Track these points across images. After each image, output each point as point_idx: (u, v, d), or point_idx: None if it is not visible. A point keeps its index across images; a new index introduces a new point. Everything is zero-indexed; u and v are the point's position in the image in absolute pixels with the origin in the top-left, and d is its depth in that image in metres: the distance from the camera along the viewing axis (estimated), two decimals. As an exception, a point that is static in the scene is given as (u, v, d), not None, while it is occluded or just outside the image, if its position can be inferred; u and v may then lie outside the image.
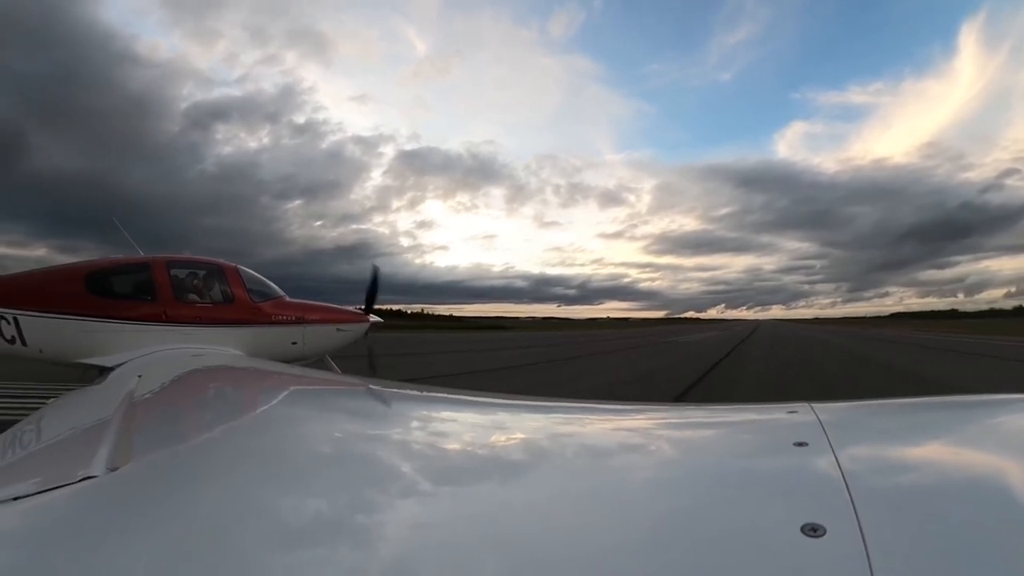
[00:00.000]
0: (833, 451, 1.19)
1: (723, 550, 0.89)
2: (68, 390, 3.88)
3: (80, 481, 1.23)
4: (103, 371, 5.58)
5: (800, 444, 1.27)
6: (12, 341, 6.97)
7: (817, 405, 1.62)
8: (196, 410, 2.92)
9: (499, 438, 1.82)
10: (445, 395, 2.76)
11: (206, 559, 0.90)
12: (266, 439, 1.84)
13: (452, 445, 1.72)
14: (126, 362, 5.71)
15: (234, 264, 8.24)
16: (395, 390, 2.91)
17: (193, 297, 7.76)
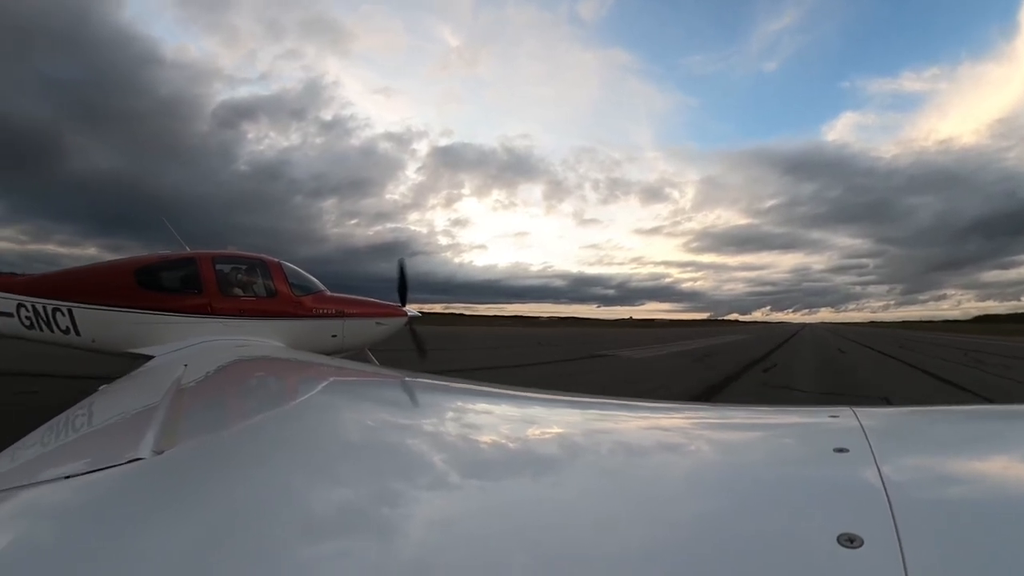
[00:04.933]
0: (875, 459, 1.15)
1: (756, 556, 0.86)
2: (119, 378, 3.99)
3: (127, 463, 1.28)
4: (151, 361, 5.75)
5: (840, 450, 1.23)
6: (67, 331, 7.39)
7: (860, 410, 1.57)
8: (238, 399, 3.02)
9: (534, 432, 1.81)
10: (481, 389, 2.77)
11: (241, 542, 0.93)
12: (304, 428, 1.87)
13: (485, 438, 1.71)
14: (173, 352, 5.90)
15: (277, 259, 8.49)
16: (432, 382, 2.92)
17: (237, 291, 8.01)
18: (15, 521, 1.12)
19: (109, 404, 2.62)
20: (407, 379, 2.89)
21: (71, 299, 7.42)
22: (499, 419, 2.07)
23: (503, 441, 1.66)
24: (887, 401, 12.16)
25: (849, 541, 0.81)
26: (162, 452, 1.38)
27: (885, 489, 0.98)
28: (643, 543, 0.93)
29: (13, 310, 7.39)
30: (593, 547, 0.91)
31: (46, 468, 1.49)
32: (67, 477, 1.25)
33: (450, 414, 2.18)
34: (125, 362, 6.67)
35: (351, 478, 1.29)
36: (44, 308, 7.37)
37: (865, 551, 0.80)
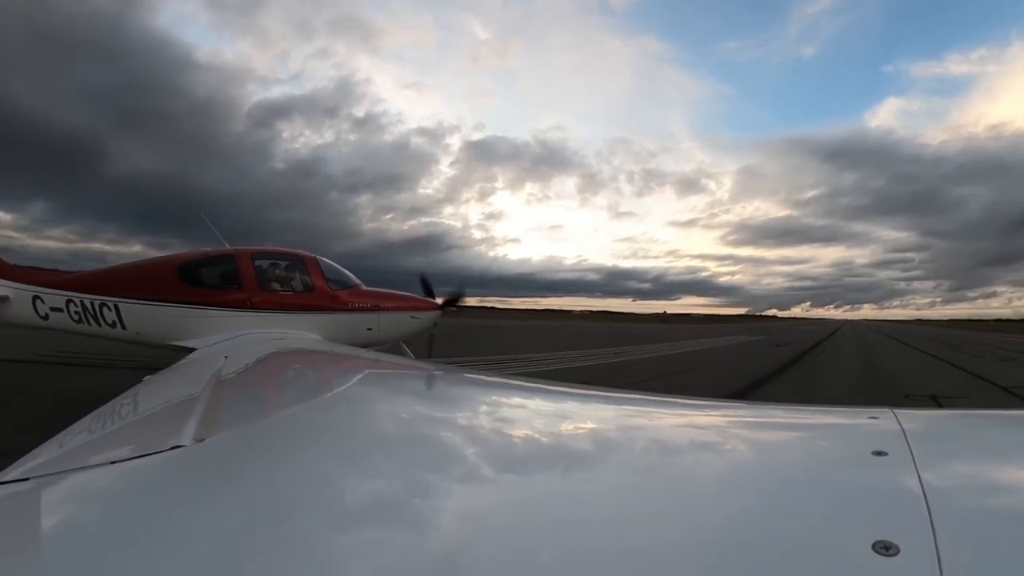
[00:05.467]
0: (915, 463, 1.10)
1: (787, 561, 0.84)
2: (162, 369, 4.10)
3: (170, 450, 1.32)
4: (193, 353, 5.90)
5: (879, 453, 1.19)
6: (113, 325, 7.75)
7: (901, 412, 1.51)
8: (276, 390, 3.08)
9: (565, 427, 1.80)
10: (513, 383, 2.78)
11: (276, 528, 0.94)
12: (339, 419, 1.91)
13: (516, 432, 1.71)
14: (214, 345, 6.05)
15: (314, 255, 8.68)
16: (465, 376, 2.94)
17: (276, 286, 8.21)
18: (64, 503, 1.18)
19: (153, 394, 2.70)
20: (441, 372, 2.91)
21: (117, 295, 7.75)
22: (531, 413, 2.07)
23: (534, 435, 1.66)
24: (933, 400, 11.68)
25: (885, 549, 0.78)
26: (203, 440, 1.41)
27: (924, 496, 0.94)
28: (671, 542, 0.92)
29: (63, 305, 7.74)
30: (620, 545, 0.90)
31: (93, 454, 1.55)
32: (112, 462, 1.30)
33: (482, 407, 2.19)
34: (168, 354, 6.90)
35: (384, 469, 1.30)
36: (92, 303, 7.72)
37: (901, 560, 0.76)
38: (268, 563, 0.82)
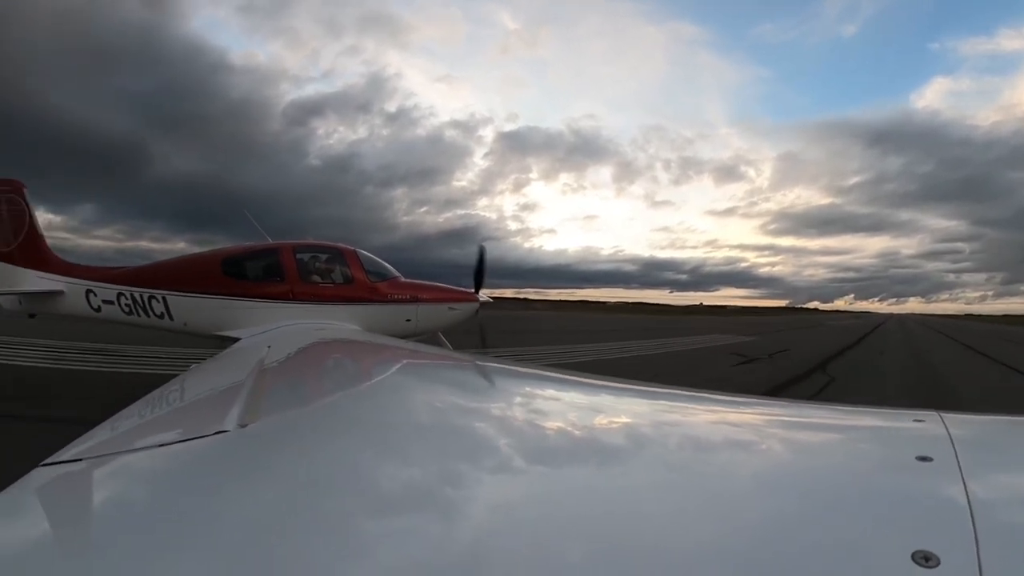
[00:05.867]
0: (961, 471, 1.05)
1: (822, 568, 0.80)
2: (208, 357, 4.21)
3: (214, 434, 1.37)
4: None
5: (923, 459, 1.14)
6: (161, 316, 8.15)
7: (949, 416, 1.44)
8: (317, 378, 3.16)
9: (599, 421, 1.79)
10: (549, 375, 2.76)
11: (313, 512, 0.97)
12: (377, 408, 1.95)
13: (551, 424, 1.68)
14: (257, 335, 6.20)
15: (353, 248, 8.85)
16: (502, 367, 2.94)
17: (316, 278, 8.41)
18: (114, 483, 1.23)
19: (199, 381, 2.77)
20: (478, 363, 2.93)
21: (165, 287, 8.15)
22: (565, 406, 2.06)
23: (566, 428, 1.65)
24: (986, 404, 10.92)
25: (924, 560, 0.74)
26: (246, 426, 1.46)
27: (969, 506, 0.89)
28: (702, 542, 0.89)
29: (114, 298, 8.23)
30: (650, 542, 0.88)
31: (142, 437, 1.62)
32: (160, 445, 1.37)
33: (517, 399, 2.19)
34: (214, 343, 7.12)
35: (419, 457, 1.32)
36: (141, 296, 8.15)
37: (941, 572, 0.73)
38: (304, 545, 0.84)
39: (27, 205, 8.67)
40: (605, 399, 2.15)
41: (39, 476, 1.15)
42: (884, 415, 1.84)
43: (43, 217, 8.79)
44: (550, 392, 2.33)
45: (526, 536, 0.90)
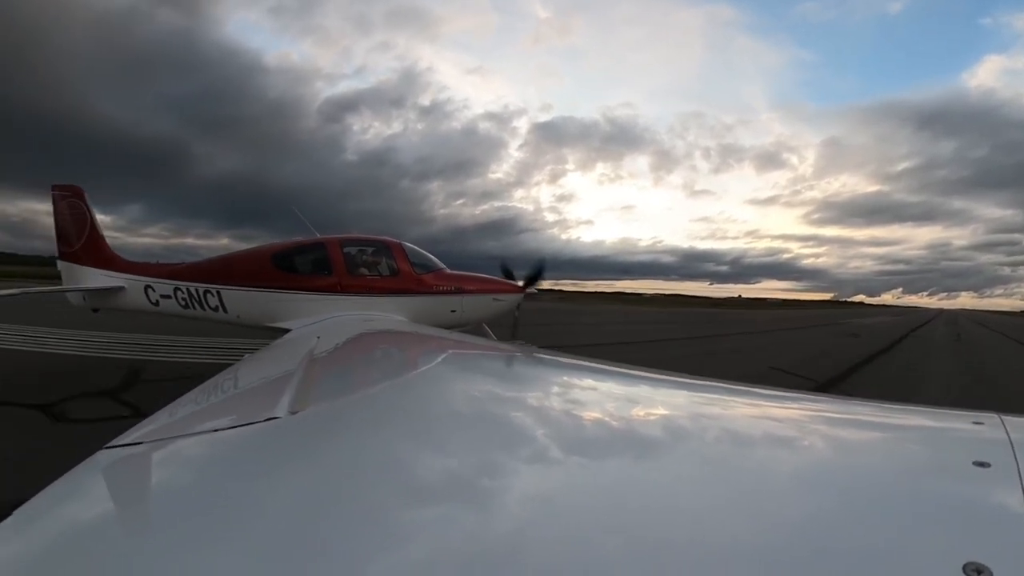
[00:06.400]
0: (1021, 479, 1.00)
1: (867, 572, 0.77)
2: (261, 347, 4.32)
3: (266, 421, 1.44)
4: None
5: (981, 464, 1.08)
6: (216, 309, 8.50)
7: (1011, 419, 1.37)
8: (364, 368, 3.23)
9: (640, 413, 1.78)
10: (593, 365, 2.74)
11: (358, 497, 1.00)
12: (423, 397, 2.00)
13: (591, 415, 1.70)
14: (307, 326, 6.36)
15: (399, 241, 9.00)
16: (546, 358, 2.94)
17: (363, 271, 8.57)
18: (171, 466, 1.29)
19: (251, 370, 2.86)
20: (522, 354, 2.92)
21: (219, 282, 8.49)
22: (610, 397, 2.06)
23: (610, 420, 1.64)
24: None
25: (976, 572, 0.70)
26: (296, 413, 1.52)
27: None
28: (742, 540, 0.86)
29: (171, 293, 8.64)
30: (689, 537, 0.87)
31: (198, 422, 1.69)
32: (215, 431, 1.43)
33: (561, 390, 2.21)
34: (266, 334, 7.34)
35: (463, 447, 1.35)
36: (197, 290, 8.52)
37: None
38: (349, 529, 0.86)
39: (88, 208, 9.18)
40: (647, 391, 2.15)
41: (103, 458, 1.22)
42: (940, 415, 1.75)
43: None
44: (594, 384, 2.33)
45: (564, 528, 0.89)
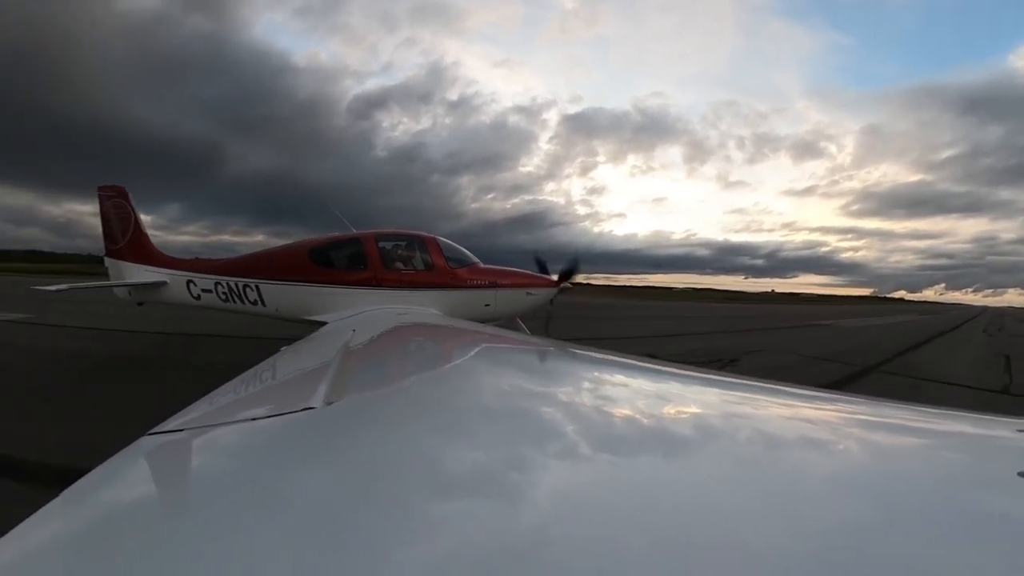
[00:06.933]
0: None
1: None
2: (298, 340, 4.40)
3: (303, 410, 1.47)
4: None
5: None
6: (255, 303, 8.73)
7: None
8: (399, 360, 3.28)
9: (671, 411, 1.76)
10: (626, 361, 2.73)
11: (389, 487, 1.02)
12: (456, 389, 2.03)
13: (622, 411, 1.69)
14: (343, 319, 6.47)
15: (433, 235, 9.08)
16: (579, 352, 2.94)
17: (398, 265, 8.67)
18: (210, 452, 1.33)
19: (289, 362, 2.92)
20: (555, 348, 2.91)
21: (258, 277, 8.70)
22: (636, 393, 2.05)
23: (642, 417, 1.63)
24: None
25: None
26: (332, 403, 1.56)
27: None
28: (769, 543, 0.83)
29: (212, 287, 8.94)
30: (717, 538, 0.85)
31: (237, 411, 1.73)
32: (253, 419, 1.46)
33: (592, 385, 2.20)
34: (303, 327, 7.48)
35: (493, 440, 1.35)
36: (237, 284, 8.77)
37: None
38: (380, 518, 0.87)
39: (132, 207, 9.57)
40: (677, 388, 2.14)
41: (145, 444, 1.27)
42: (982, 422, 1.68)
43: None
44: (623, 379, 2.33)
45: (592, 525, 0.88)
